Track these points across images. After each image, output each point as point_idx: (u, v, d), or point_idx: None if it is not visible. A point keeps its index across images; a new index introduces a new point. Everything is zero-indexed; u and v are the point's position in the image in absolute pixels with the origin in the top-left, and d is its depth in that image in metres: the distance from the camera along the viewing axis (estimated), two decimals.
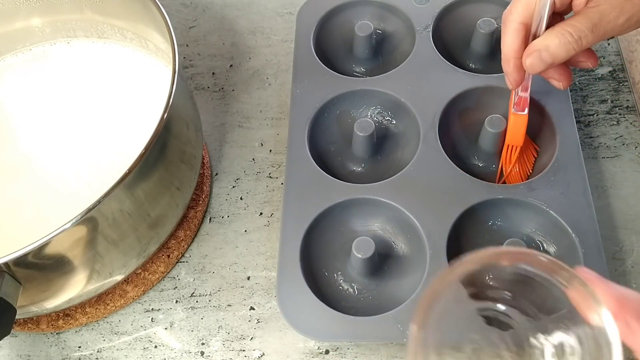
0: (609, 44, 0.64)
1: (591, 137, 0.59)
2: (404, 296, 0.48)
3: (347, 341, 0.49)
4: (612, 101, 0.61)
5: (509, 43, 0.44)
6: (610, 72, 0.63)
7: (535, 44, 0.43)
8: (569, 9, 0.44)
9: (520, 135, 0.52)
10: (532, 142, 0.55)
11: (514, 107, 0.51)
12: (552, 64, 0.43)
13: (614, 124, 0.59)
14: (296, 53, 0.60)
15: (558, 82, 0.47)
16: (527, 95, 0.50)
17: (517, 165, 0.53)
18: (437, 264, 0.48)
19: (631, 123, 0.59)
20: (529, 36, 0.44)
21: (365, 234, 0.50)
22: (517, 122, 0.51)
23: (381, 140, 0.57)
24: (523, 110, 0.51)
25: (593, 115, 0.60)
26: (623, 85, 0.62)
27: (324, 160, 0.56)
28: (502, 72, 0.55)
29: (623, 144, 0.58)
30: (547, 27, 0.43)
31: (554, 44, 0.41)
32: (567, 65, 0.47)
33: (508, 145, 0.53)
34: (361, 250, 0.48)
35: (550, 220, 0.50)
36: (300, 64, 0.60)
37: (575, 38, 0.40)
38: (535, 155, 0.54)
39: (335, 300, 0.49)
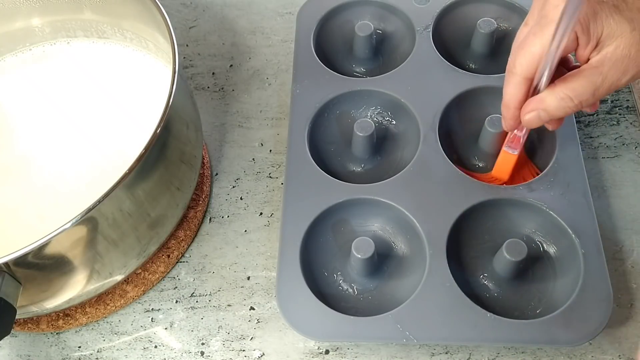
0: None
1: (591, 137, 0.59)
2: (403, 296, 0.48)
3: (347, 341, 0.49)
4: (612, 101, 0.61)
5: (512, 94, 0.44)
6: None
7: (534, 103, 0.42)
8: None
9: (507, 172, 0.52)
10: (534, 166, 0.54)
11: (506, 145, 0.51)
12: (548, 121, 0.43)
13: (614, 124, 0.59)
14: (296, 53, 0.60)
15: (549, 125, 0.47)
16: (522, 135, 0.49)
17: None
18: (436, 264, 0.48)
19: (631, 123, 0.59)
20: (530, 88, 0.43)
21: (365, 234, 0.50)
22: (506, 159, 0.51)
23: (381, 141, 0.57)
24: (515, 149, 0.50)
25: (593, 115, 0.60)
26: None
27: (323, 160, 0.56)
28: (503, 72, 0.55)
29: (623, 144, 0.58)
30: (551, 76, 0.42)
31: (553, 106, 0.41)
32: None
33: (492, 177, 0.53)
34: (361, 251, 0.48)
35: (550, 221, 0.50)
36: (300, 64, 0.60)
37: (576, 103, 0.40)
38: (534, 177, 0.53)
39: (335, 301, 0.49)
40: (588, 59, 0.40)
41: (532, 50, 0.40)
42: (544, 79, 0.41)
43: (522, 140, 0.50)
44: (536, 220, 0.51)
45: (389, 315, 0.46)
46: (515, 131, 0.49)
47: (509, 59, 0.44)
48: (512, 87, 0.43)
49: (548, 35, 0.38)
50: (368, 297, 0.50)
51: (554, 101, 0.41)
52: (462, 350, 0.49)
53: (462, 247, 0.51)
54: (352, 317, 0.47)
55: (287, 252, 0.49)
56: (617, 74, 0.38)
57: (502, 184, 0.52)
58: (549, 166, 0.52)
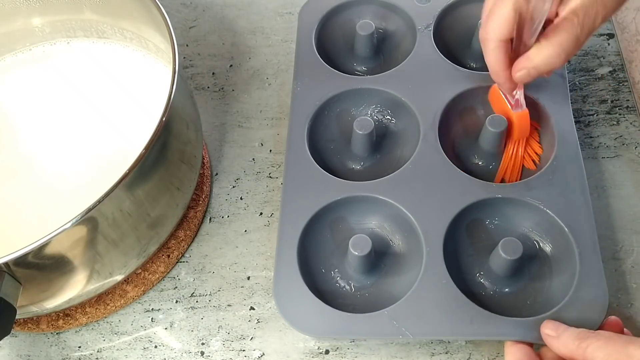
0: (608, 44, 0.64)
1: (591, 137, 0.59)
2: (400, 293, 0.48)
3: (343, 337, 0.49)
4: (612, 101, 0.61)
5: (495, 61, 0.47)
6: (610, 72, 0.63)
7: (523, 62, 0.45)
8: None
9: (527, 128, 0.53)
10: (534, 124, 0.55)
11: (514, 108, 0.52)
12: (535, 77, 0.46)
13: (614, 124, 0.59)
14: (298, 51, 0.60)
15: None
16: (521, 93, 0.51)
17: (525, 155, 0.54)
18: (433, 261, 0.48)
19: (631, 123, 0.59)
20: (510, 50, 0.46)
21: (363, 232, 0.50)
22: (522, 119, 0.52)
23: (380, 139, 0.57)
24: (522, 107, 0.52)
25: (593, 115, 0.60)
26: (623, 85, 0.62)
27: (323, 158, 0.56)
28: None
29: (623, 144, 0.58)
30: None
31: (541, 62, 0.44)
32: None
33: (515, 141, 0.53)
34: (358, 248, 0.48)
35: (547, 219, 0.50)
36: (301, 61, 0.60)
37: (563, 57, 0.43)
38: (538, 139, 0.55)
39: (332, 297, 0.49)
40: (557, 14, 0.42)
41: (501, 13, 0.43)
42: (533, 39, 0.44)
43: (521, 99, 0.51)
44: (533, 219, 0.51)
45: (385, 312, 0.46)
46: (517, 95, 0.51)
47: (480, 29, 0.46)
48: (492, 53, 0.46)
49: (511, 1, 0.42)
50: (365, 294, 0.50)
51: (542, 58, 0.43)
52: (462, 350, 0.49)
53: (459, 245, 0.51)
54: (349, 313, 0.47)
55: (285, 249, 0.49)
56: (590, 19, 0.41)
57: (524, 141, 0.53)
58: (548, 164, 0.52)
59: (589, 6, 0.41)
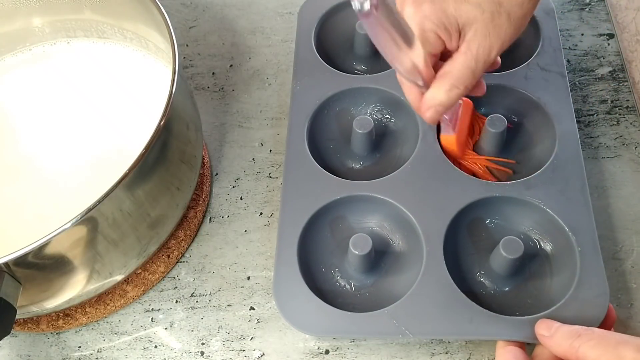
0: (608, 44, 0.64)
1: (591, 137, 0.59)
2: (400, 292, 0.48)
3: (343, 337, 0.49)
4: (612, 101, 0.61)
5: (412, 100, 0.48)
6: (610, 72, 0.63)
7: (427, 101, 0.46)
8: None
9: (454, 150, 0.53)
10: (479, 116, 0.56)
11: (443, 132, 0.52)
12: (446, 110, 0.47)
13: (614, 124, 0.59)
14: (297, 50, 0.60)
15: (475, 94, 0.49)
16: (448, 119, 0.51)
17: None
18: (433, 261, 0.48)
19: (631, 123, 0.59)
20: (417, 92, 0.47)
21: (363, 231, 0.50)
22: (448, 141, 0.53)
23: (380, 138, 0.57)
24: (451, 131, 0.52)
25: (593, 115, 0.60)
26: (623, 85, 0.62)
27: (322, 157, 0.56)
28: (503, 71, 0.56)
29: (623, 144, 0.58)
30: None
31: (444, 98, 0.45)
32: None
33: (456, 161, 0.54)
34: (358, 247, 0.48)
35: (547, 218, 0.50)
36: (300, 61, 0.60)
37: (462, 89, 0.44)
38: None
39: (332, 297, 0.49)
40: (458, 47, 0.43)
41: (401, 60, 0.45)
42: (421, 82, 0.45)
43: (453, 121, 0.52)
44: (533, 218, 0.51)
45: (385, 311, 0.46)
46: (445, 118, 0.51)
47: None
48: (408, 93, 0.48)
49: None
50: (365, 293, 0.50)
51: (443, 94, 0.45)
52: (462, 351, 0.49)
53: (459, 244, 0.51)
54: (349, 312, 0.47)
55: (285, 248, 0.49)
56: (485, 52, 0.42)
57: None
58: (548, 162, 0.52)
59: (482, 40, 0.42)
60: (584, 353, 0.39)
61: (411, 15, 0.42)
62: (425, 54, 0.44)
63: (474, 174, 0.53)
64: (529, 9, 0.42)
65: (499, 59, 0.48)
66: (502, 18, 0.41)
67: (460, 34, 0.42)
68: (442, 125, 0.52)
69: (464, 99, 0.52)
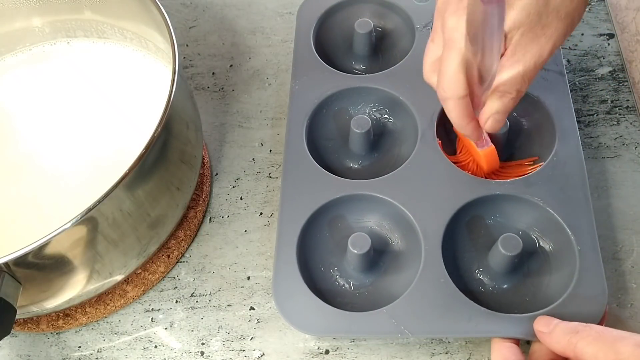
0: (608, 44, 0.64)
1: (591, 137, 0.59)
2: (399, 291, 0.48)
3: (342, 336, 0.49)
4: (612, 101, 0.61)
5: (458, 117, 0.45)
6: (610, 72, 0.63)
7: (486, 112, 0.45)
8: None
9: (496, 162, 0.52)
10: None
11: (479, 147, 0.52)
12: (506, 118, 0.46)
13: (614, 124, 0.59)
14: (296, 49, 0.60)
15: None
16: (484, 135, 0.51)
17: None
18: (431, 260, 0.48)
19: (631, 123, 0.59)
20: (470, 102, 0.45)
21: (362, 230, 0.50)
22: (489, 155, 0.52)
23: (378, 138, 0.57)
24: (489, 144, 0.51)
25: (593, 115, 0.60)
26: (623, 85, 0.62)
27: (321, 156, 0.56)
28: None
29: (623, 144, 0.58)
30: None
31: (500, 106, 0.44)
32: None
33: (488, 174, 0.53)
34: (357, 246, 0.48)
35: (546, 217, 0.50)
36: (299, 60, 0.60)
37: (515, 96, 0.43)
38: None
39: (331, 296, 0.49)
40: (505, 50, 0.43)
41: (450, 72, 0.42)
42: (489, 90, 0.43)
43: (485, 135, 0.51)
44: (532, 216, 0.51)
45: (384, 310, 0.46)
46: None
47: (437, 88, 0.45)
48: (454, 110, 0.45)
49: (458, 56, 0.41)
50: (364, 292, 0.50)
51: (498, 102, 0.44)
52: (462, 350, 0.49)
53: (458, 243, 0.51)
54: (347, 312, 0.47)
55: (284, 248, 0.49)
56: (534, 56, 0.41)
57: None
58: (548, 160, 0.52)
59: (529, 43, 0.41)
60: (582, 349, 0.39)
61: (454, 26, 0.41)
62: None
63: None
64: (581, 1, 0.40)
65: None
66: (550, 17, 0.40)
67: (506, 38, 0.41)
68: (479, 143, 0.51)
69: None
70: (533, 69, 0.42)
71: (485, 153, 0.52)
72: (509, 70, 0.42)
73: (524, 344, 0.47)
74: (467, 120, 0.45)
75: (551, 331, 0.42)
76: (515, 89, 0.43)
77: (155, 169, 0.45)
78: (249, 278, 0.54)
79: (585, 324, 0.41)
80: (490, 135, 0.53)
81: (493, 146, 0.51)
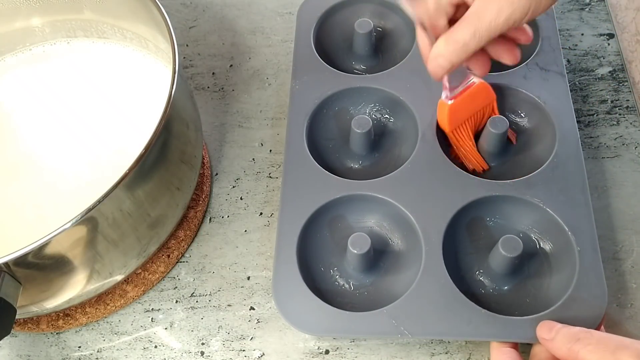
0: (608, 44, 0.64)
1: (591, 137, 0.59)
2: (399, 292, 0.48)
3: (342, 336, 0.49)
4: (612, 101, 0.61)
5: (421, 49, 0.48)
6: (610, 72, 0.63)
7: (433, 51, 0.46)
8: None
9: (445, 120, 0.52)
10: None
11: (448, 99, 0.51)
12: (452, 68, 0.46)
13: (614, 124, 0.59)
14: (296, 49, 0.60)
15: (476, 71, 0.49)
16: (450, 85, 0.51)
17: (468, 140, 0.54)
18: (432, 260, 0.48)
19: (631, 123, 0.59)
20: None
21: (362, 230, 0.50)
22: (439, 106, 0.52)
23: (379, 138, 0.57)
24: (448, 99, 0.51)
25: (593, 115, 0.60)
26: (623, 85, 0.62)
27: (321, 156, 0.56)
28: (502, 70, 0.56)
29: (623, 144, 0.58)
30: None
31: (445, 52, 0.45)
32: (487, 55, 0.49)
33: (455, 128, 0.53)
34: (357, 246, 0.48)
35: (547, 218, 0.50)
36: (300, 60, 0.60)
37: (461, 45, 0.44)
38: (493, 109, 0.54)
39: (331, 296, 0.49)
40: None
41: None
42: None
43: (452, 90, 0.51)
44: (532, 217, 0.51)
45: (384, 310, 0.46)
46: (445, 84, 0.51)
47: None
48: (419, 39, 0.48)
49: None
50: (364, 292, 0.50)
51: (444, 47, 0.45)
52: (462, 351, 0.49)
53: (458, 244, 0.51)
54: (347, 312, 0.47)
55: (284, 248, 0.49)
56: (491, 15, 0.42)
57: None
58: (548, 161, 0.52)
59: (490, 2, 0.41)
60: (583, 357, 0.39)
61: None
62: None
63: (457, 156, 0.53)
64: None
65: (530, 32, 0.47)
66: None
67: None
68: (443, 91, 0.51)
69: (484, 84, 0.51)
70: (486, 28, 0.42)
71: (439, 103, 0.52)
72: (465, 22, 0.43)
73: (524, 344, 0.47)
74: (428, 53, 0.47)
75: (553, 338, 0.42)
76: (464, 40, 0.43)
77: (155, 169, 0.45)
78: (249, 278, 0.54)
79: (586, 330, 0.41)
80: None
81: (448, 105, 0.51)
